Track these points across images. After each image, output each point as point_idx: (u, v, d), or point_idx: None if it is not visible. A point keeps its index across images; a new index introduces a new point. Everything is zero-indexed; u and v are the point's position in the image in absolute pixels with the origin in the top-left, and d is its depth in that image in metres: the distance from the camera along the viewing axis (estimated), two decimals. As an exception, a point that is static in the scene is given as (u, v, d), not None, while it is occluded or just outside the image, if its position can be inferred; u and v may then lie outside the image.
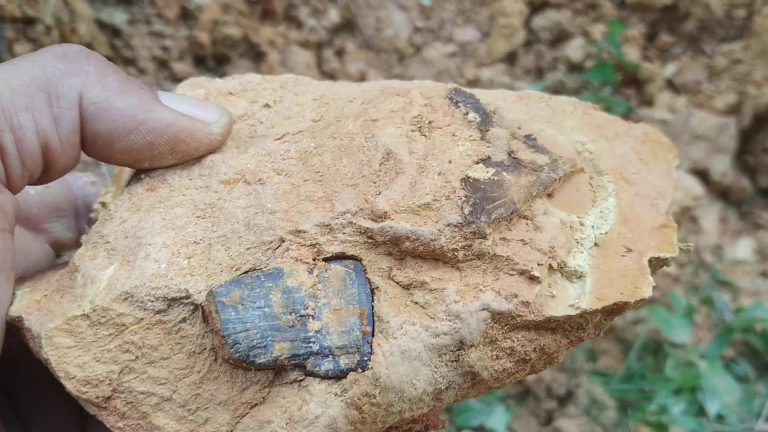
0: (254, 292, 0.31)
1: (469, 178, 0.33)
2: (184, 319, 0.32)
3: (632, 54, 1.46)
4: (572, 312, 0.32)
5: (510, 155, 0.35)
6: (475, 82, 1.43)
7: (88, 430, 0.39)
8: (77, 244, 0.42)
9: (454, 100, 0.36)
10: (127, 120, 0.33)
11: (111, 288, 0.32)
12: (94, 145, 0.33)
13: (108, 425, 0.32)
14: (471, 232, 0.32)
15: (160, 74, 1.24)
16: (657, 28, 1.52)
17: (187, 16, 1.28)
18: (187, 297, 0.32)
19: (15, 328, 0.33)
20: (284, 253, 0.32)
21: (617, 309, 0.33)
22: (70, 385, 0.31)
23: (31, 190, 0.41)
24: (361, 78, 1.38)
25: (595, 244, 0.35)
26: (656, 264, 0.36)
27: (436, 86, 0.39)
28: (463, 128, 0.35)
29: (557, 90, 1.41)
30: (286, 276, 0.31)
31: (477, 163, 0.34)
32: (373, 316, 0.32)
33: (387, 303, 0.32)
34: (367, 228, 0.32)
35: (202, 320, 0.32)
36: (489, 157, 0.34)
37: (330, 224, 0.32)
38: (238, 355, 0.30)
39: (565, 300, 0.33)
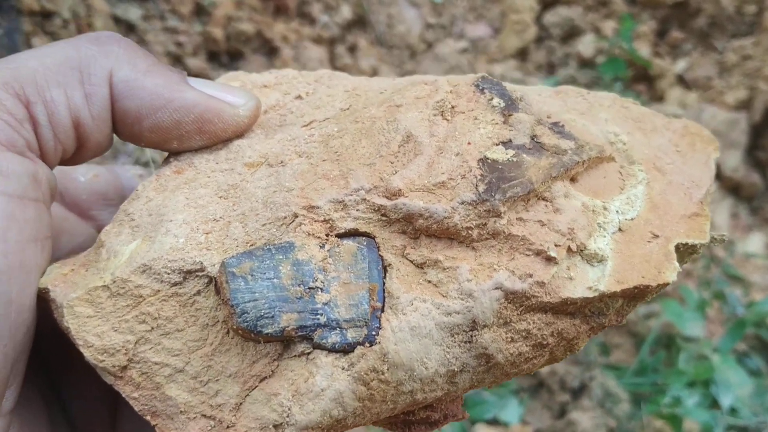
0: (264, 264, 0.31)
1: (487, 158, 0.33)
2: (198, 292, 0.32)
3: (643, 50, 1.47)
4: (590, 294, 0.32)
5: (533, 139, 0.34)
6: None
7: (118, 419, 0.40)
8: None
9: (480, 87, 0.36)
10: (155, 98, 0.34)
11: (131, 261, 0.33)
12: (123, 123, 0.35)
13: (124, 395, 0.32)
14: (485, 210, 0.32)
15: (175, 69, 1.25)
16: (668, 24, 1.53)
17: (200, 12, 1.29)
18: (202, 270, 0.32)
19: (43, 300, 0.33)
20: (297, 228, 0.32)
21: (639, 293, 0.33)
22: (88, 353, 0.32)
23: (81, 177, 0.42)
24: (373, 73, 1.38)
25: (620, 230, 0.34)
26: (684, 251, 0.35)
27: (466, 76, 0.39)
28: (486, 112, 0.35)
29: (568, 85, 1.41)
30: (297, 249, 0.31)
31: (497, 145, 0.34)
32: (384, 293, 0.32)
33: (399, 280, 0.32)
34: (381, 205, 0.32)
35: (215, 292, 0.32)
36: (510, 140, 0.34)
37: (344, 200, 0.32)
38: (245, 324, 0.30)
39: (584, 282, 0.32)
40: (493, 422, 1.10)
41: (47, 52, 0.33)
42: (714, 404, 1.10)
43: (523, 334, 0.32)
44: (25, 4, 1.01)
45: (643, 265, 0.33)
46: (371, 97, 0.39)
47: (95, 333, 0.32)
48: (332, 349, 0.31)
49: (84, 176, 0.42)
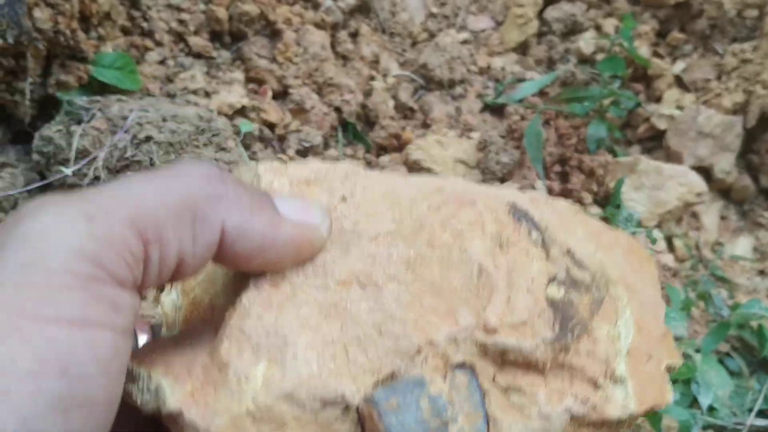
0: (407, 399, 0.33)
1: (548, 297, 0.37)
2: (336, 418, 0.34)
3: (642, 50, 1.47)
4: (624, 414, 0.36)
5: (567, 273, 0.38)
6: (487, 70, 1.43)
7: None
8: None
9: (517, 217, 0.40)
10: (264, 239, 0.35)
11: (269, 387, 0.34)
12: (233, 263, 0.36)
13: None
14: (560, 347, 0.36)
15: (176, 47, 1.25)
16: (668, 24, 1.53)
17: (204, -10, 1.29)
18: (342, 398, 0.34)
19: (171, 421, 0.34)
20: (423, 362, 0.35)
21: (650, 411, 0.38)
22: None
23: None
24: (374, 60, 1.38)
25: (627, 352, 0.38)
26: (668, 370, 0.39)
27: (487, 196, 0.41)
28: (531, 246, 0.38)
29: (568, 82, 1.42)
30: (429, 384, 0.34)
31: (551, 281, 0.37)
32: (487, 418, 0.35)
33: (494, 405, 0.35)
34: (483, 341, 0.35)
35: (357, 422, 0.34)
36: (555, 276, 0.37)
37: (456, 337, 0.35)
38: None
39: (617, 402, 0.36)
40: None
41: (166, 189, 0.33)
42: (694, 403, 1.12)
43: None
44: (30, -24, 1.00)
45: (651, 385, 0.38)
46: (407, 206, 0.40)
47: None
48: None
49: None
